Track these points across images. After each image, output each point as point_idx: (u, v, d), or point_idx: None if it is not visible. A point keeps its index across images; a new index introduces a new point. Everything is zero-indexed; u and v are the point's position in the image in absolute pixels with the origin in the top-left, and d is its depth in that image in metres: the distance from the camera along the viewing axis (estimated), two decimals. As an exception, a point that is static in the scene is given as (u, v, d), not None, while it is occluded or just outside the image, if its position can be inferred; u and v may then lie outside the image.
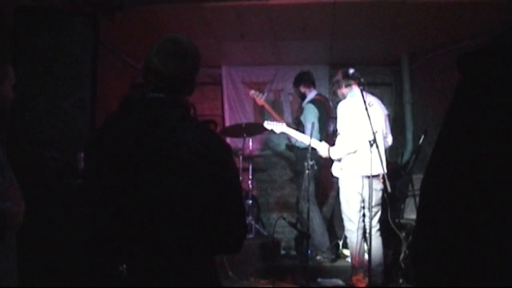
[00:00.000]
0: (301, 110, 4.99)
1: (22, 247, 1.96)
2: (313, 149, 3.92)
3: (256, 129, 5.14)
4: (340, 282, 4.13)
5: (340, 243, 4.81)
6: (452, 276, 0.71)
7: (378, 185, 3.69)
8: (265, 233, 5.13)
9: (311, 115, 4.63)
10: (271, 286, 4.00)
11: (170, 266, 1.38)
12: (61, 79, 3.15)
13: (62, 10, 3.43)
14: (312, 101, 4.80)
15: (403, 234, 4.08)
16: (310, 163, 3.81)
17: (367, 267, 3.46)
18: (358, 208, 3.66)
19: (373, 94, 4.04)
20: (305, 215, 3.98)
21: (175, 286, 1.37)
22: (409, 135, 5.65)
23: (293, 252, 5.44)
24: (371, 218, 3.52)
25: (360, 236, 3.65)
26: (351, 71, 3.74)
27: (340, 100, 3.93)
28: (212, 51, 5.46)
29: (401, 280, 3.87)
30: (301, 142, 4.40)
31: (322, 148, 3.97)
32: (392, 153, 5.06)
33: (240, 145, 5.27)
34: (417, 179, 4.49)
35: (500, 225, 0.67)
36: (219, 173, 1.42)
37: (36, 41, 3.10)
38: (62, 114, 3.14)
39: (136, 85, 5.67)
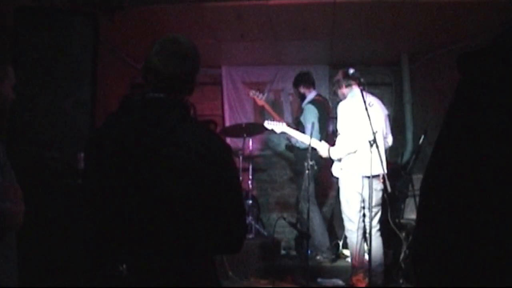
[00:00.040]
0: (301, 110, 4.99)
1: (22, 247, 1.96)
2: (313, 149, 3.92)
3: (256, 129, 5.14)
4: (340, 282, 4.13)
5: (340, 243, 4.81)
6: (452, 276, 0.71)
7: (378, 185, 3.69)
8: (265, 233, 5.13)
9: (311, 115, 4.63)
10: (271, 286, 4.00)
11: (170, 266, 1.38)
12: (61, 79, 3.16)
13: (62, 10, 3.43)
14: (312, 102, 4.80)
15: (403, 234, 4.08)
16: (310, 163, 3.81)
17: (367, 267, 3.46)
18: (358, 208, 3.66)
19: (373, 94, 4.04)
20: (305, 215, 3.98)
21: (175, 286, 1.37)
22: (409, 135, 5.65)
23: (293, 252, 5.44)
24: (371, 218, 3.52)
25: (360, 236, 3.64)
26: (351, 71, 3.74)
27: (340, 100, 3.92)
28: (212, 51, 5.46)
29: (401, 280, 3.87)
30: (301, 142, 4.40)
31: (322, 148, 3.97)
32: (392, 153, 5.06)
33: (240, 145, 5.27)
34: (417, 179, 4.50)
35: (500, 225, 0.67)
36: (219, 173, 1.42)
37: (36, 41, 3.11)
38: (62, 114, 3.14)
39: (136, 85, 5.67)
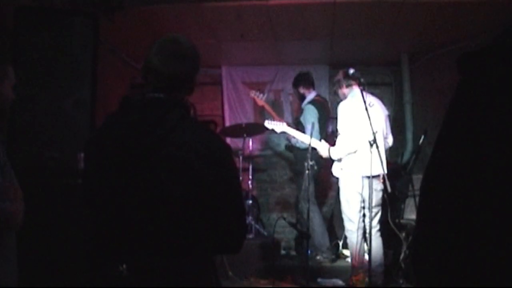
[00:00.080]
0: (300, 110, 4.99)
1: (22, 247, 1.96)
2: (313, 149, 3.92)
3: (256, 129, 5.14)
4: (340, 282, 4.13)
5: (340, 243, 4.81)
6: (452, 276, 0.71)
7: (378, 185, 3.69)
8: (265, 233, 5.13)
9: (310, 115, 4.63)
10: (271, 286, 4.00)
11: (170, 266, 1.38)
12: (61, 79, 3.15)
13: (62, 10, 3.43)
14: (312, 102, 4.80)
15: (403, 234, 4.08)
16: (310, 163, 3.81)
17: (367, 267, 3.46)
18: (358, 208, 3.66)
19: (373, 94, 4.04)
20: (305, 215, 3.98)
21: (175, 286, 1.37)
22: (409, 135, 5.65)
23: (293, 252, 5.45)
24: (371, 219, 3.52)
25: (360, 236, 3.64)
26: (351, 71, 3.74)
27: (340, 100, 3.93)
28: (212, 51, 5.46)
29: (401, 280, 3.87)
30: (302, 142, 4.40)
31: (323, 148, 3.97)
32: (392, 153, 5.06)
33: (240, 145, 5.27)
34: (417, 179, 4.49)
35: (500, 225, 0.66)
36: (219, 173, 1.42)
37: (36, 41, 3.10)
38: (62, 114, 3.14)
39: (136, 85, 5.67)
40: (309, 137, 3.89)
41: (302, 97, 4.97)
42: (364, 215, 3.60)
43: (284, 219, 4.12)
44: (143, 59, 1.54)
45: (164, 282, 1.36)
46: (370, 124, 3.41)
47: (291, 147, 5.06)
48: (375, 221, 3.73)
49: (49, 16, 3.19)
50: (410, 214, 4.49)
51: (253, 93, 5.24)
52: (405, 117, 5.74)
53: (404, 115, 5.76)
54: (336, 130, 3.93)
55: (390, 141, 4.04)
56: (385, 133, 3.91)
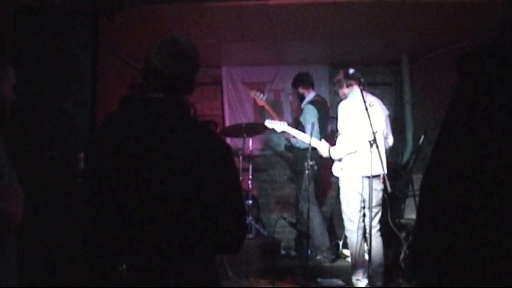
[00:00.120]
0: (300, 110, 5.00)
1: (22, 247, 1.96)
2: (314, 149, 3.92)
3: (256, 129, 5.14)
4: (340, 282, 4.13)
5: (340, 243, 4.81)
6: (452, 276, 0.71)
7: (378, 185, 3.69)
8: (265, 233, 5.13)
9: (310, 115, 4.63)
10: (271, 286, 4.00)
11: (170, 266, 1.38)
12: (61, 79, 3.15)
13: (62, 10, 3.43)
14: (311, 102, 4.81)
15: (403, 234, 4.08)
16: (310, 163, 3.81)
17: (367, 267, 3.46)
18: (358, 208, 3.66)
19: (373, 94, 4.04)
20: (305, 215, 3.98)
21: (175, 286, 1.37)
22: (409, 135, 5.65)
23: (293, 252, 5.45)
24: (371, 219, 3.52)
25: (360, 236, 3.64)
26: (351, 71, 3.74)
27: (341, 100, 3.93)
28: (212, 51, 5.46)
29: (401, 280, 3.87)
30: (302, 142, 4.41)
31: (323, 148, 3.97)
32: (392, 153, 5.06)
33: (240, 145, 5.27)
34: (417, 179, 4.50)
35: (500, 225, 0.66)
36: (219, 173, 1.42)
37: (36, 41, 3.10)
38: (62, 114, 3.13)
39: (136, 85, 5.68)
40: (309, 136, 3.89)
41: (302, 97, 4.98)
42: (364, 215, 3.60)
43: (284, 219, 4.13)
44: (143, 59, 1.54)
45: (164, 282, 1.36)
46: (370, 124, 3.41)
47: (290, 147, 5.06)
48: (375, 221, 3.73)
49: (49, 16, 3.19)
50: (410, 214, 4.49)
51: (253, 93, 5.24)
52: (405, 117, 5.75)
53: (404, 115, 5.76)
54: (336, 130, 3.93)
55: (390, 141, 4.04)
56: (385, 133, 3.91)
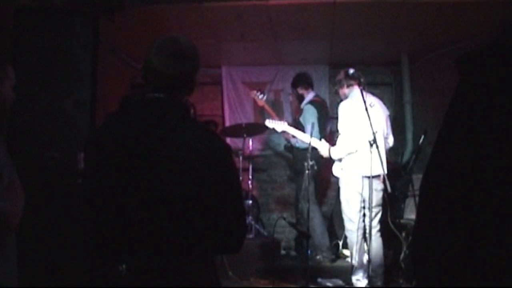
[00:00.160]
0: (300, 111, 5.00)
1: (22, 247, 1.96)
2: (314, 149, 3.92)
3: (256, 129, 5.14)
4: (340, 282, 4.13)
5: (340, 243, 4.81)
6: (452, 276, 0.71)
7: (378, 185, 3.69)
8: (265, 233, 5.13)
9: (310, 116, 4.64)
10: (271, 286, 4.00)
11: (170, 266, 1.38)
12: (61, 79, 3.15)
13: (62, 10, 3.43)
14: (311, 102, 4.81)
15: (403, 234, 4.08)
16: (310, 163, 3.81)
17: (367, 267, 3.46)
18: (359, 208, 3.66)
19: (373, 94, 4.04)
20: (305, 215, 3.98)
21: (175, 286, 1.37)
22: (409, 135, 5.65)
23: (293, 252, 5.45)
24: (371, 219, 3.52)
25: (360, 236, 3.64)
26: (351, 71, 3.75)
27: (341, 100, 3.93)
28: (212, 51, 5.46)
29: (401, 280, 3.87)
30: (301, 142, 4.41)
31: (323, 148, 3.98)
32: (392, 153, 5.06)
33: (240, 145, 5.27)
34: (417, 179, 4.49)
35: (500, 225, 0.66)
36: (219, 173, 1.42)
37: (36, 41, 3.10)
38: (62, 114, 3.13)
39: (136, 85, 5.67)
40: (309, 136, 3.89)
41: (301, 98, 4.98)
42: (364, 215, 3.60)
43: (284, 219, 4.12)
44: (143, 59, 1.54)
45: (164, 282, 1.36)
46: (370, 124, 3.42)
47: (290, 147, 5.07)
48: (375, 221, 3.73)
49: (49, 16, 3.19)
50: (410, 214, 4.49)
51: (253, 93, 5.24)
52: (405, 117, 5.75)
53: (404, 115, 5.76)
54: (336, 130, 3.93)
55: (390, 141, 4.04)
56: (385, 133, 3.91)
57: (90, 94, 3.23)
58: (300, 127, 4.63)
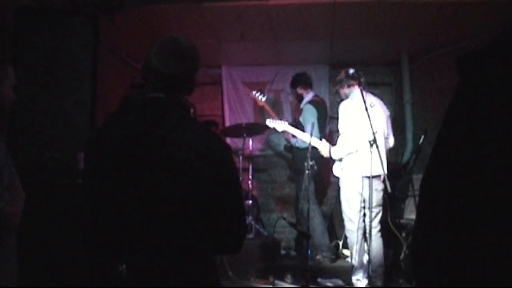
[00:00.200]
0: (299, 111, 5.00)
1: (22, 247, 1.96)
2: (314, 149, 3.92)
3: (256, 129, 5.14)
4: (340, 282, 4.13)
5: (340, 243, 4.81)
6: (452, 276, 0.71)
7: (379, 185, 3.69)
8: (265, 233, 5.13)
9: (310, 115, 4.64)
10: (271, 286, 4.00)
11: (170, 266, 1.38)
12: (61, 79, 3.15)
13: (62, 10, 3.43)
14: (311, 102, 4.81)
15: (403, 234, 4.08)
16: (310, 163, 3.81)
17: (367, 267, 3.46)
18: (359, 208, 3.66)
19: (374, 94, 4.04)
20: (305, 215, 3.98)
21: (175, 286, 1.37)
22: (409, 135, 5.65)
23: (293, 252, 5.44)
24: (371, 219, 3.52)
25: (360, 236, 3.64)
26: (351, 71, 3.75)
27: (341, 100, 3.93)
28: (212, 51, 5.46)
29: (401, 280, 3.87)
30: (301, 142, 4.41)
31: (323, 148, 3.98)
32: (392, 153, 5.06)
33: (240, 145, 5.27)
34: (417, 179, 4.49)
35: (500, 225, 0.66)
36: (219, 173, 1.42)
37: (36, 41, 3.10)
38: (62, 114, 3.14)
39: (136, 85, 5.67)
40: (309, 136, 3.89)
41: (300, 98, 4.98)
42: (364, 215, 3.60)
43: (284, 219, 4.12)
44: (143, 59, 1.54)
45: (164, 282, 1.36)
46: (371, 124, 3.42)
47: (290, 147, 5.06)
48: (376, 221, 3.73)
49: (49, 16, 3.19)
50: (410, 214, 4.49)
51: (253, 94, 5.24)
52: (405, 117, 5.75)
53: (404, 115, 5.76)
54: (337, 130, 3.93)
55: (391, 141, 4.04)
56: (386, 134, 3.91)
57: (90, 94, 3.23)
58: (300, 127, 4.63)
